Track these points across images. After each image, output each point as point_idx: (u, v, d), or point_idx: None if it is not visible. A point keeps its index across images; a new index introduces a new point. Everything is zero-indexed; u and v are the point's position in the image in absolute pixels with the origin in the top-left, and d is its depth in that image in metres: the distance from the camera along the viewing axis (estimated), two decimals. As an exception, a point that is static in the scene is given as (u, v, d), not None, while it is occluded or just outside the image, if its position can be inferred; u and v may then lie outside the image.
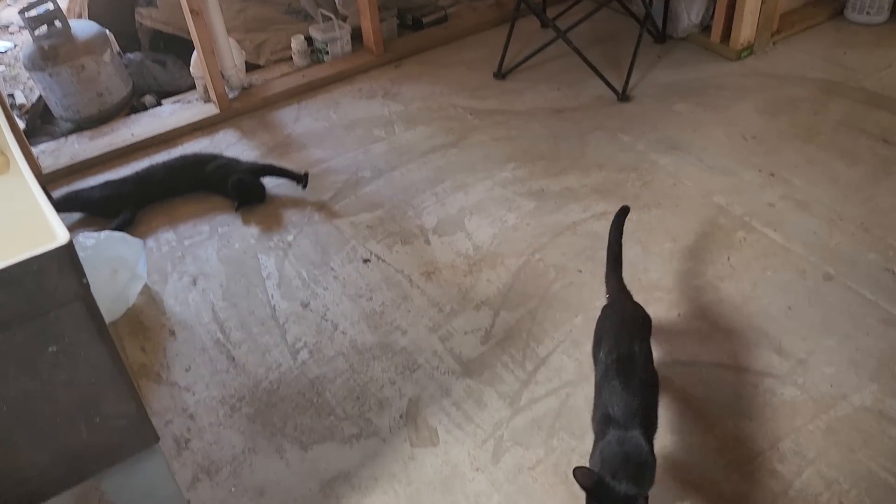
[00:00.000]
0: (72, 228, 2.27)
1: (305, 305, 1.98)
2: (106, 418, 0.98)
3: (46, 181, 2.49)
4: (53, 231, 0.84)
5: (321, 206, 2.32)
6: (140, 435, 1.03)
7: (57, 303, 0.85)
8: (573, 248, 2.10)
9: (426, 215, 2.26)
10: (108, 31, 2.97)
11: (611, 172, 2.37)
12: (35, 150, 2.63)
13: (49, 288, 0.82)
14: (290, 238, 2.21)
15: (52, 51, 2.77)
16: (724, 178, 2.31)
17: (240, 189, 2.28)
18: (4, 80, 3.39)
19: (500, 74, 2.90)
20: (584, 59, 2.71)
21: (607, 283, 1.74)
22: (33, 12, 2.79)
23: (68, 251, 0.82)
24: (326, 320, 1.94)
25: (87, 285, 0.87)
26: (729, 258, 2.02)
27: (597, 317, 1.65)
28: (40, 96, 3.00)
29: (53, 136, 2.93)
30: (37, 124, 3.04)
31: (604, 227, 2.14)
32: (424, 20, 3.20)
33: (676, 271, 2.00)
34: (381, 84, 2.92)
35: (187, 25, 2.57)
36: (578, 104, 2.72)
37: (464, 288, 2.00)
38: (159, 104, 3.03)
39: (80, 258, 1.86)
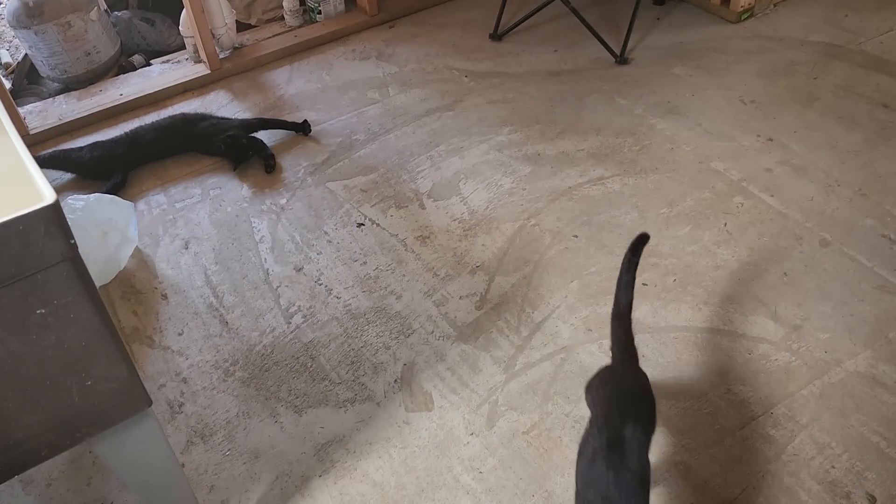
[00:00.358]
0: (60, 191, 2.24)
1: (299, 270, 1.97)
2: (97, 381, 0.96)
3: (34, 142, 2.44)
4: (39, 191, 0.81)
5: (314, 169, 2.29)
6: (132, 398, 1.02)
7: (44, 264, 0.82)
8: (569, 213, 2.08)
9: (421, 179, 2.23)
10: (93, -14, 2.89)
11: (608, 136, 2.34)
12: (21, 111, 2.57)
13: (35, 249, 0.80)
14: (282, 201, 2.18)
15: (38, 7, 2.70)
16: (722, 142, 2.28)
17: (231, 146, 2.24)
18: (-12, 38, 3.31)
19: (497, 36, 2.84)
20: (583, 21, 2.66)
21: (612, 333, 1.42)
22: (17, -33, 2.71)
23: (55, 210, 0.79)
24: (320, 284, 1.92)
25: (75, 246, 0.85)
26: (726, 224, 2.01)
27: (592, 283, 1.64)
28: (26, 55, 2.93)
29: (40, 97, 2.87)
30: (23, 84, 2.98)
31: (600, 193, 2.13)
32: (420, -21, 3.12)
33: (673, 237, 1.98)
34: (374, 45, 2.87)
35: (176, -17, 2.51)
36: (576, 67, 2.67)
37: (459, 252, 1.99)
38: (148, 64, 2.97)
39: (69, 221, 1.83)
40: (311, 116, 2.50)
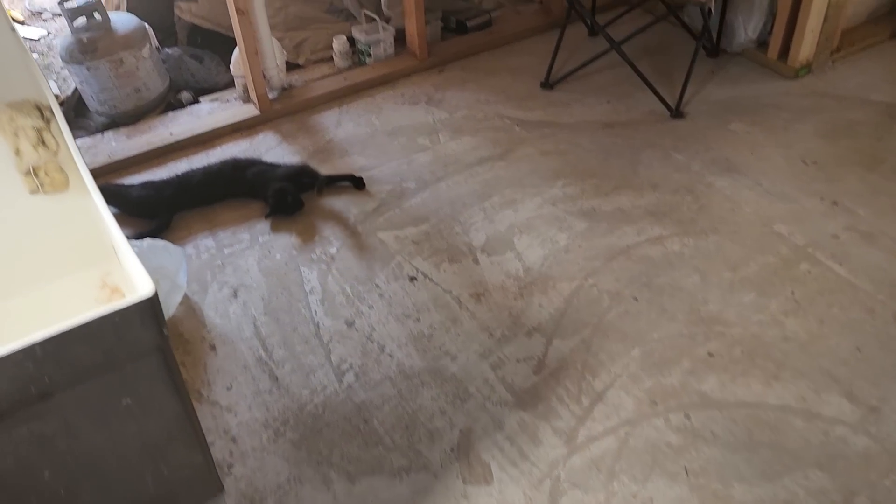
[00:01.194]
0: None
1: (350, 324, 1.91)
2: (173, 469, 0.91)
3: (82, 179, 2.42)
4: (138, 281, 0.77)
5: (365, 218, 2.25)
6: (205, 484, 0.97)
7: (135, 355, 0.78)
8: (628, 273, 2.02)
9: (474, 232, 2.18)
10: (146, 24, 2.90)
11: (665, 193, 2.28)
12: (71, 147, 2.57)
13: (129, 340, 0.76)
14: (332, 251, 2.14)
15: (91, 44, 2.70)
16: (784, 204, 2.22)
17: (278, 201, 2.21)
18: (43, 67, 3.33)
19: (548, 84, 2.81)
20: (638, 73, 2.62)
21: None
22: (72, 3, 2.72)
23: (152, 304, 0.75)
24: (372, 341, 1.87)
25: (167, 336, 0.80)
26: (793, 292, 1.94)
27: (655, 350, 1.57)
28: (76, 88, 2.94)
29: (88, 131, 2.87)
30: (71, 117, 2.98)
31: (659, 253, 2.07)
32: (469, 24, 3.11)
33: (738, 304, 1.91)
34: (424, 90, 2.84)
35: (227, 21, 2.50)
36: (629, 119, 2.63)
37: (515, 312, 1.93)
38: (196, 101, 2.96)
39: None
40: (360, 162, 2.47)
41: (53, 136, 1.10)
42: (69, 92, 3.00)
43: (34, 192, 1.10)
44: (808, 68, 2.76)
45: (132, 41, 2.76)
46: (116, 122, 2.88)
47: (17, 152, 1.08)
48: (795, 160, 2.39)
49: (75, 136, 2.78)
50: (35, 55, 3.44)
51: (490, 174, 2.40)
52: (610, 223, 2.18)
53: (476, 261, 2.09)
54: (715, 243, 2.10)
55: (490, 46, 3.07)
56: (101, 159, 2.48)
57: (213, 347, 1.87)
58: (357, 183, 2.35)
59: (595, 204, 2.26)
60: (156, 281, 1.83)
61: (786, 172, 2.34)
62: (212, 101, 2.86)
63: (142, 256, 1.84)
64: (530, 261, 2.07)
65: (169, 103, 2.95)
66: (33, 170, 1.09)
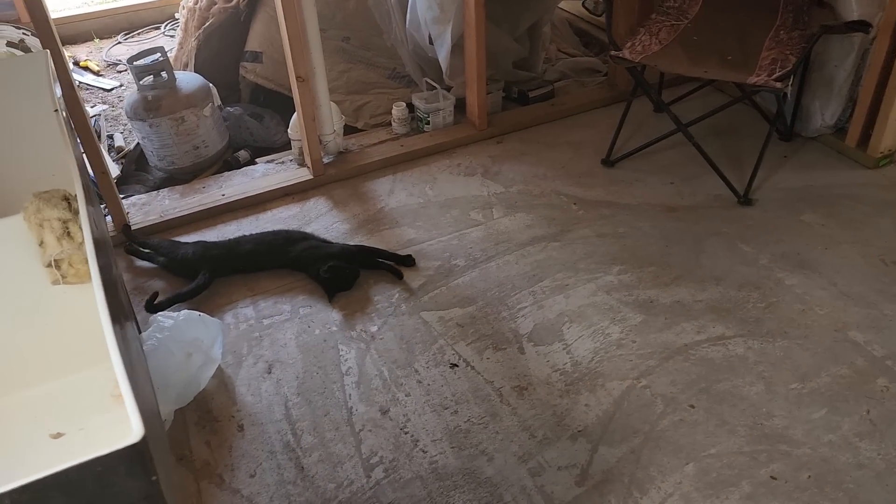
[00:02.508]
0: (148, 276, 2.19)
1: (385, 412, 1.82)
2: None
3: (131, 238, 2.43)
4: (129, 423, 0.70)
5: (409, 295, 2.17)
6: None
7: (119, 506, 0.70)
8: (685, 376, 1.87)
9: (522, 318, 2.07)
10: (210, 84, 2.95)
11: (729, 288, 2.13)
12: (125, 203, 2.59)
13: (113, 491, 0.68)
14: (373, 329, 2.06)
15: (155, 102, 2.75)
16: (861, 309, 2.04)
17: (331, 279, 2.15)
18: (106, 119, 3.42)
19: (609, 162, 2.71)
20: (704, 155, 2.50)
21: None
22: (142, 62, 2.79)
23: (140, 450, 0.67)
24: (406, 433, 1.76)
25: (157, 482, 0.72)
26: (868, 411, 1.75)
27: (711, 468, 1.42)
28: (138, 143, 2.99)
29: (145, 185, 2.91)
30: (131, 170, 3.03)
31: (721, 355, 1.92)
32: (531, 94, 3.06)
33: (806, 420, 1.74)
34: (480, 161, 2.78)
35: (289, 83, 2.49)
36: (694, 203, 2.50)
37: (559, 411, 1.80)
38: (253, 161, 2.98)
39: (156, 342, 1.76)
40: (410, 234, 2.41)
41: (80, 228, 1.07)
42: (132, 146, 3.06)
43: (56, 283, 1.06)
44: (889, 158, 2.59)
45: (195, 100, 2.80)
46: (174, 177, 2.91)
47: (41, 244, 1.05)
48: (874, 259, 2.21)
49: (132, 192, 2.83)
50: (105, 106, 3.55)
51: (543, 255, 2.30)
52: (668, 317, 2.05)
53: (521, 350, 1.97)
54: (783, 348, 1.93)
55: (551, 118, 3.00)
56: (153, 218, 2.48)
57: (241, 428, 1.80)
58: (405, 262, 2.28)
59: (653, 295, 2.13)
60: (188, 355, 1.79)
61: (864, 272, 2.16)
62: (267, 161, 2.86)
63: (177, 329, 1.81)
64: (579, 354, 1.95)
65: (226, 161, 2.97)
66: (55, 262, 1.06)
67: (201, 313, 1.93)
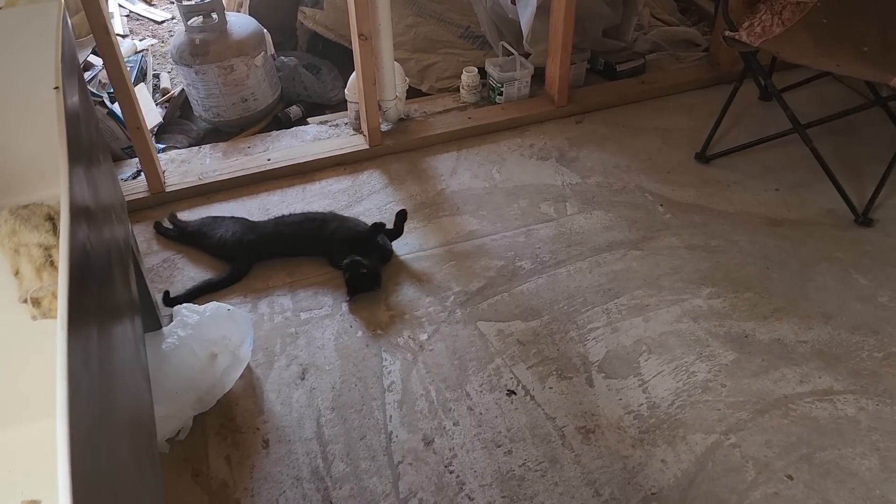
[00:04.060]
0: (179, 268, 1.98)
1: (429, 443, 1.59)
2: None
3: (167, 199, 2.21)
4: None
5: (467, 299, 1.91)
6: None
7: None
8: (783, 437, 1.59)
9: (592, 341, 1.80)
10: (265, 30, 2.67)
11: (840, 329, 1.82)
12: (163, 159, 2.36)
13: None
14: (423, 337, 1.82)
15: (203, 47, 2.49)
16: None
17: (354, 274, 1.90)
18: (154, 56, 3.18)
19: (704, 156, 2.37)
20: (822, 163, 2.14)
21: None
22: (191, 0, 2.52)
23: None
24: (451, 472, 1.53)
25: None
26: None
27: None
28: (182, 89, 2.75)
29: (188, 135, 2.68)
30: (175, 116, 2.80)
31: (827, 415, 1.63)
32: (619, 68, 2.70)
33: (930, 512, 1.45)
34: (556, 143, 2.47)
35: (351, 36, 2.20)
36: (802, 217, 2.16)
37: (630, 465, 1.54)
38: (304, 118, 2.72)
39: (177, 340, 1.54)
40: (471, 224, 2.14)
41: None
42: (178, 90, 2.82)
43: (35, 318, 0.84)
44: None
45: (246, 47, 2.54)
46: (220, 129, 2.68)
47: (17, 274, 0.82)
48: None
49: (174, 143, 2.60)
50: (155, 41, 3.30)
51: (621, 265, 2.01)
52: (765, 359, 1.75)
53: (590, 381, 1.71)
54: (903, 414, 1.63)
55: (640, 98, 2.65)
56: (191, 179, 2.25)
57: (265, 444, 1.59)
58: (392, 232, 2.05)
59: (748, 328, 1.82)
60: (213, 356, 1.58)
61: None
62: (320, 123, 2.60)
63: (202, 326, 1.59)
64: (657, 394, 1.68)
65: (276, 117, 2.72)
66: (33, 299, 0.83)
67: (231, 307, 1.71)
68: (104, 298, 0.94)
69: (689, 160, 2.39)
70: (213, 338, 1.60)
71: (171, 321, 1.67)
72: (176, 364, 1.52)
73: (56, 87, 0.94)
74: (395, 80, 2.35)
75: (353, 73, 2.34)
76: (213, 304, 1.66)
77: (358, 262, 1.88)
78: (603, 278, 1.97)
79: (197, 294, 1.87)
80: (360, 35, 2.11)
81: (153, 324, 1.60)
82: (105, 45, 1.87)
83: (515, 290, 1.94)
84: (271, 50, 2.70)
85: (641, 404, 1.66)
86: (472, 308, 1.89)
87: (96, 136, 1.22)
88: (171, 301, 1.83)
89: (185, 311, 1.62)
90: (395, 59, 2.50)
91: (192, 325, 1.59)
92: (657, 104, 2.65)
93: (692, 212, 2.18)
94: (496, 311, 1.89)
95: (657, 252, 2.05)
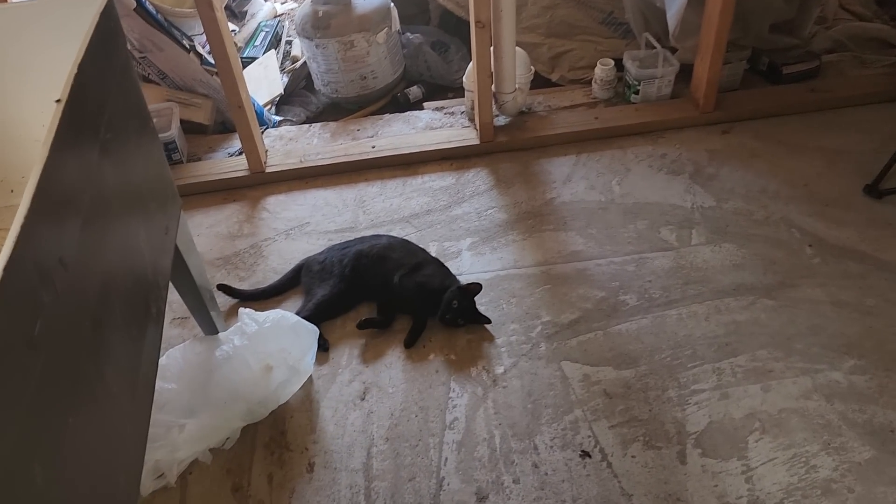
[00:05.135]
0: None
1: (482, 498, 1.42)
2: None
3: (266, 180, 2.15)
4: None
5: (555, 332, 1.70)
6: None
7: None
8: (919, 574, 1.26)
9: (694, 407, 1.53)
10: (392, 4, 2.53)
11: None
12: (273, 134, 2.31)
13: None
14: (498, 370, 1.63)
15: (325, 19, 2.40)
16: None
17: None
18: (291, 21, 3.14)
19: (876, 190, 1.96)
20: None
21: None
22: (318, -30, 2.42)
23: None
24: (500, 539, 1.36)
25: None
26: None
27: None
28: (304, 62, 2.68)
29: (307, 108, 2.62)
30: (299, 87, 2.75)
31: None
32: (785, 70, 2.31)
33: None
34: (694, 155, 2.15)
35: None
36: None
37: (713, 572, 1.29)
38: (424, 99, 2.57)
39: (231, 350, 1.46)
40: (576, 244, 1.90)
41: None
42: (301, 61, 2.76)
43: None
44: None
45: (369, 22, 2.41)
46: (339, 105, 2.59)
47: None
48: None
49: (292, 114, 2.54)
50: (295, 4, 3.26)
51: (746, 315, 1.70)
52: (912, 463, 1.41)
53: (683, 457, 1.45)
54: None
55: (806, 108, 2.25)
56: (292, 161, 2.18)
57: (310, 468, 1.49)
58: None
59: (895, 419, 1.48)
60: (268, 368, 1.48)
61: None
62: (436, 109, 2.44)
63: (260, 337, 1.49)
64: (764, 487, 1.39)
65: (394, 97, 2.59)
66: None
67: (300, 319, 1.60)
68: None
69: (856, 192, 1.98)
70: (271, 350, 1.50)
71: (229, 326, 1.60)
72: (226, 375, 1.45)
73: (58, 100, 0.84)
74: (515, 71, 2.12)
75: (472, 63, 2.14)
76: (275, 313, 1.57)
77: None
78: (721, 329, 1.68)
79: (261, 296, 1.79)
80: (477, 22, 1.91)
81: (209, 327, 1.54)
82: (208, 20, 1.80)
83: (612, 330, 1.70)
84: (397, 25, 2.56)
85: (741, 497, 1.39)
86: (560, 344, 1.68)
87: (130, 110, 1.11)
88: (230, 293, 1.77)
89: (247, 317, 1.53)
90: (526, 44, 2.29)
91: (249, 334, 1.50)
92: (826, 118, 2.23)
93: (849, 258, 1.81)
94: (586, 351, 1.66)
95: (794, 304, 1.72)
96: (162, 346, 1.20)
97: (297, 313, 1.71)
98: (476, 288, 1.71)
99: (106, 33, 1.02)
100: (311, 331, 1.59)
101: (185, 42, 2.22)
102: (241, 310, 1.59)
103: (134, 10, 2.07)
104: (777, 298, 1.73)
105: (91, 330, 0.84)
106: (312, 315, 1.70)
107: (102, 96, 1.00)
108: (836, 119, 2.23)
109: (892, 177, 1.97)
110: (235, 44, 2.95)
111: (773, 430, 1.48)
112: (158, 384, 1.46)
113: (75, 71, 0.89)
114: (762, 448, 1.45)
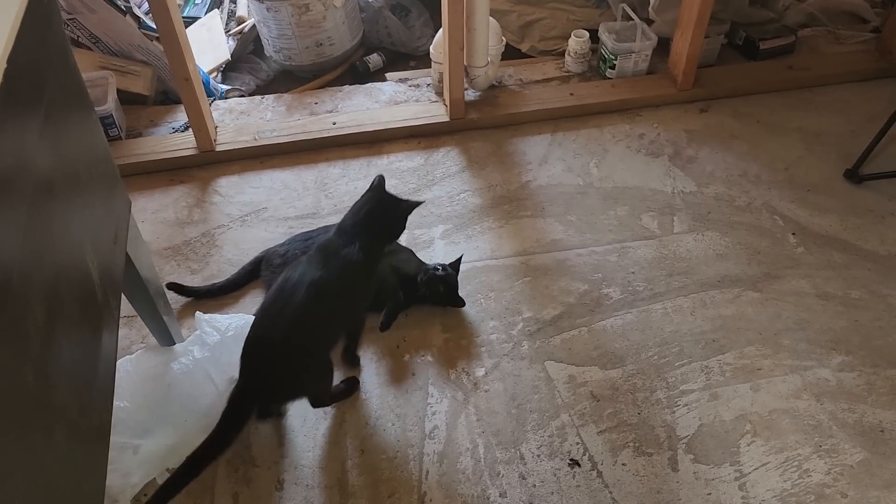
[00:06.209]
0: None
1: (466, 515, 1.33)
2: None
3: (216, 159, 1.96)
4: None
5: (537, 329, 1.61)
6: None
7: None
8: (915, 582, 1.24)
9: (684, 409, 1.47)
10: (349, -36, 2.33)
11: None
12: (221, 107, 2.11)
13: None
14: (479, 373, 1.53)
15: (277, -20, 2.19)
16: None
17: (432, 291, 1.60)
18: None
19: (856, 175, 1.92)
20: None
21: None
22: (269, -78, 2.20)
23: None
24: (488, 560, 1.28)
25: None
26: None
27: None
28: (254, 24, 2.46)
29: (256, 76, 2.41)
30: (245, 52, 2.53)
31: None
32: (762, 45, 2.23)
33: None
34: (672, 135, 2.06)
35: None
36: (976, 273, 1.71)
37: (711, 587, 1.24)
38: (385, 69, 2.40)
39: (192, 363, 1.31)
40: (555, 231, 1.80)
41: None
42: (249, 24, 2.53)
43: None
44: None
45: (326, -15, 2.21)
46: (291, 73, 2.40)
47: None
48: None
49: (240, 83, 2.33)
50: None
51: (732, 309, 1.64)
52: (904, 465, 1.38)
53: (674, 463, 1.39)
54: None
55: (785, 86, 2.18)
56: (245, 139, 2.00)
57: (279, 485, 1.37)
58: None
59: (887, 420, 1.45)
60: (232, 381, 1.34)
61: None
62: (399, 81, 2.27)
63: (223, 348, 1.34)
64: (757, 494, 1.35)
65: (353, 65, 2.41)
66: None
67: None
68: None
69: (837, 177, 1.94)
70: (235, 360, 1.35)
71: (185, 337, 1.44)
72: (186, 390, 1.30)
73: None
74: (488, 43, 1.98)
75: (441, 29, 1.99)
76: (237, 318, 1.42)
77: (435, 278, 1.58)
78: (707, 324, 1.62)
79: (217, 293, 1.63)
80: (450, -10, 1.76)
81: (164, 337, 1.38)
82: (150, -18, 1.59)
83: (597, 326, 1.62)
84: (356, -13, 2.37)
85: (735, 505, 1.34)
86: (543, 342, 1.59)
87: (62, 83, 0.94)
88: (182, 291, 1.61)
89: (206, 325, 1.38)
90: (494, 11, 2.14)
91: (210, 345, 1.35)
92: (805, 97, 2.17)
93: (832, 247, 1.77)
94: (570, 349, 1.57)
95: (780, 297, 1.66)
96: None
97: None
98: (457, 264, 1.62)
99: (39, 12, 0.84)
100: (279, 335, 1.45)
101: (120, 2, 1.98)
102: (199, 315, 1.44)
103: (61, -35, 1.83)
104: (763, 290, 1.68)
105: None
106: None
107: (39, 81, 0.83)
108: (813, 98, 2.17)
109: (873, 161, 1.93)
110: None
111: (764, 433, 1.43)
112: (107, 401, 1.31)
113: (5, 65, 0.72)
114: (754, 452, 1.40)
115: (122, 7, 2.00)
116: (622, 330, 1.61)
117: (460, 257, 1.65)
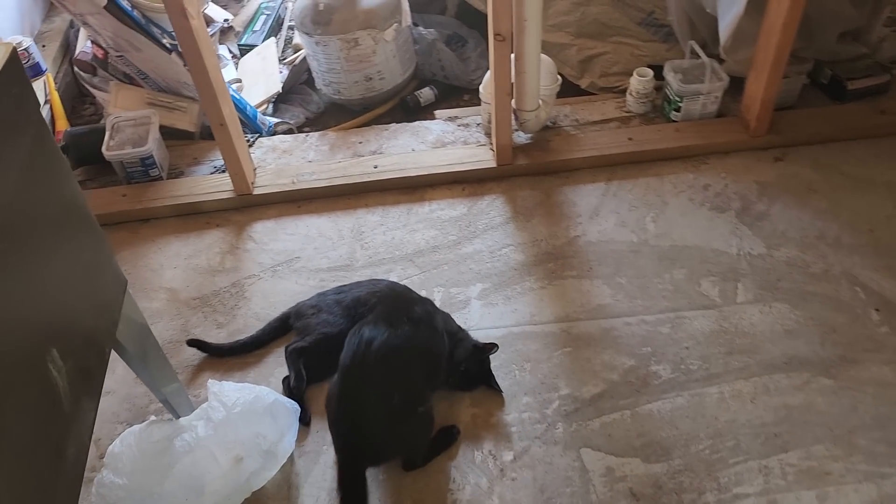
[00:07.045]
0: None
1: None
2: None
3: (252, 203, 1.91)
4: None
5: (574, 410, 1.46)
6: None
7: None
8: None
9: (735, 517, 1.30)
10: (403, -5, 2.24)
11: None
12: (264, 144, 2.06)
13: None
14: (507, 457, 1.41)
15: (327, 14, 2.13)
16: None
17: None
18: (293, 1, 2.85)
19: (956, 241, 1.68)
20: None
21: None
22: (320, -43, 2.13)
23: None
24: None
25: None
26: None
27: None
28: (304, 57, 2.41)
29: (307, 108, 2.36)
30: (298, 83, 2.48)
31: None
32: (850, 84, 2.00)
33: None
34: (741, 187, 1.87)
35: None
36: None
37: None
38: (436, 103, 2.30)
39: (194, 441, 1.24)
40: (602, 296, 1.65)
41: None
42: (302, 55, 2.48)
43: None
44: None
45: (375, 18, 2.13)
46: (341, 106, 2.33)
47: None
48: None
49: (290, 116, 2.28)
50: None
51: (800, 398, 1.45)
52: None
53: (720, 582, 1.23)
54: None
55: (874, 132, 1.95)
56: (283, 181, 1.93)
57: (284, 575, 1.29)
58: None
59: (979, 547, 1.24)
60: (238, 459, 1.27)
61: None
62: (448, 119, 2.16)
63: (229, 425, 1.27)
64: None
65: (404, 101, 2.32)
66: None
67: (278, 396, 1.38)
68: None
69: (933, 242, 1.71)
70: (242, 437, 1.29)
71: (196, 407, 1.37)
72: (187, 469, 1.24)
73: None
74: (539, 84, 1.85)
75: (489, 73, 1.87)
76: (249, 391, 1.34)
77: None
78: (769, 415, 1.43)
79: (240, 351, 1.57)
80: (496, 35, 1.63)
81: (172, 412, 1.32)
82: (182, 31, 1.54)
83: (642, 409, 1.46)
84: (408, 20, 2.27)
85: None
86: (580, 425, 1.44)
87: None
88: (204, 349, 1.56)
89: (215, 399, 1.31)
90: (553, 44, 2.01)
91: (216, 422, 1.28)
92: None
93: (923, 328, 1.55)
94: (610, 436, 1.42)
95: (857, 386, 1.46)
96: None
97: (290, 346, 1.52)
98: (492, 348, 1.49)
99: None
100: (291, 410, 1.37)
101: (165, 41, 1.96)
102: (210, 385, 1.37)
103: (105, 7, 1.81)
104: (836, 377, 1.48)
105: None
106: (311, 347, 1.49)
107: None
108: (909, 147, 1.94)
109: (977, 226, 1.69)
110: (233, 28, 2.69)
111: (829, 554, 1.25)
112: (108, 478, 1.26)
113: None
114: (816, 576, 1.23)
115: (168, 45, 1.97)
116: (670, 416, 1.45)
117: (494, 348, 1.49)
